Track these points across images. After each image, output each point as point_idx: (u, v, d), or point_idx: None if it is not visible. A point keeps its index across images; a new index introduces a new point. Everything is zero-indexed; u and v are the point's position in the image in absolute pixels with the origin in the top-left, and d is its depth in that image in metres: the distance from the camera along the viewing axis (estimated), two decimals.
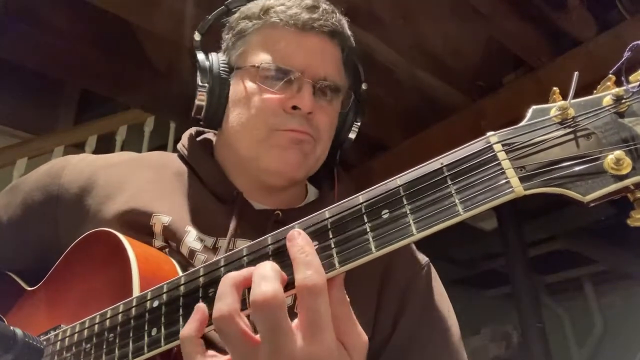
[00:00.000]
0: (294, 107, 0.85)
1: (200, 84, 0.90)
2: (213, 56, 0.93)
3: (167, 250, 0.83)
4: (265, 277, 0.54)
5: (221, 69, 0.91)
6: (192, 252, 0.82)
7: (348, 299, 0.56)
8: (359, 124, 0.99)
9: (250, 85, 0.88)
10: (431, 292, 0.91)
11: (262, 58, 0.88)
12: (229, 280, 0.56)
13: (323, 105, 0.89)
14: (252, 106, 0.87)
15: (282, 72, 0.86)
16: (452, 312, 0.92)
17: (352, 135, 0.99)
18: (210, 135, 1.03)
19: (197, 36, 0.97)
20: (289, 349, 0.52)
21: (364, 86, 1.00)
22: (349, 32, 0.94)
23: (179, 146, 0.99)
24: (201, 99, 0.90)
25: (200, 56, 0.93)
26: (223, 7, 0.96)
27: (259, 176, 0.89)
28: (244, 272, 0.57)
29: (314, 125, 0.87)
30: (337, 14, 0.92)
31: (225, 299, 0.54)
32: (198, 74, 0.91)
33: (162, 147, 3.57)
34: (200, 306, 0.59)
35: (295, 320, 0.54)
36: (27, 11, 2.83)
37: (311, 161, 0.89)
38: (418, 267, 0.93)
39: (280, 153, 0.86)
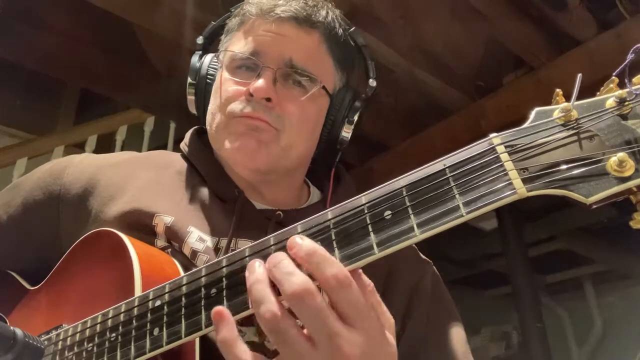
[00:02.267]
0: (252, 94, 0.84)
1: (189, 82, 0.95)
2: (207, 57, 0.97)
3: (169, 250, 0.83)
4: (291, 272, 0.53)
5: (210, 66, 0.95)
6: (194, 253, 0.82)
7: (372, 286, 0.56)
8: (352, 122, 0.92)
9: (223, 76, 0.90)
10: (437, 295, 0.91)
11: (229, 47, 0.91)
12: (262, 279, 0.54)
13: (290, 94, 0.86)
14: (220, 96, 0.89)
15: (244, 58, 0.87)
16: (457, 314, 0.91)
17: (345, 134, 0.92)
18: None
19: (199, 40, 0.99)
20: (344, 336, 0.52)
21: (370, 83, 0.96)
22: (332, 24, 0.91)
23: (182, 145, 0.99)
24: (191, 96, 0.95)
25: (194, 58, 0.97)
26: (227, 13, 0.98)
27: (230, 168, 0.91)
28: (264, 271, 0.55)
29: (275, 113, 0.84)
30: (312, 3, 0.90)
31: (269, 299, 0.52)
32: (189, 74, 0.95)
33: (162, 147, 3.56)
34: (218, 310, 0.56)
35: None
36: (27, 11, 2.83)
37: (274, 152, 0.85)
38: (424, 270, 0.92)
39: (235, 140, 0.85)
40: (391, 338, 0.57)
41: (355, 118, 0.93)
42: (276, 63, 0.85)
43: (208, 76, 0.94)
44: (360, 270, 0.55)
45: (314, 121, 0.90)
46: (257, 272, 0.55)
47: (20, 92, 4.60)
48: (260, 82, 0.83)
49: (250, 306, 0.56)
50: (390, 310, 0.86)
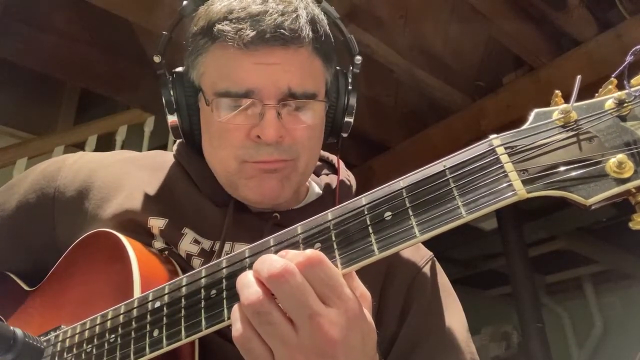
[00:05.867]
0: (259, 137, 0.78)
1: (168, 114, 0.86)
2: (178, 84, 0.87)
3: (167, 251, 0.83)
4: (270, 258, 0.55)
5: (186, 95, 0.86)
6: (188, 255, 0.82)
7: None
8: (354, 102, 0.91)
9: (214, 115, 0.81)
10: (436, 285, 0.90)
11: (218, 85, 0.80)
12: (247, 273, 0.56)
13: (295, 120, 0.81)
14: (218, 137, 0.82)
15: (239, 97, 0.78)
16: (458, 304, 0.91)
17: (349, 119, 0.91)
18: None
19: (157, 59, 0.89)
20: (324, 316, 0.53)
21: (357, 59, 0.92)
22: (310, 23, 0.80)
23: (174, 148, 0.97)
24: (174, 130, 0.87)
25: (165, 91, 0.87)
26: (175, 16, 0.90)
27: (244, 201, 0.87)
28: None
29: (287, 147, 0.80)
30: (290, 12, 0.79)
31: (253, 283, 0.55)
32: (164, 105, 0.86)
33: (162, 147, 3.55)
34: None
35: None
36: (28, 12, 2.83)
37: (294, 180, 0.84)
38: (422, 261, 0.91)
39: (257, 185, 0.81)
40: (368, 315, 0.57)
41: (354, 102, 0.91)
42: (275, 97, 0.78)
43: (188, 107, 0.86)
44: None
45: (320, 131, 0.88)
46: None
47: (20, 92, 4.59)
48: (268, 126, 0.77)
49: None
50: (392, 304, 0.86)
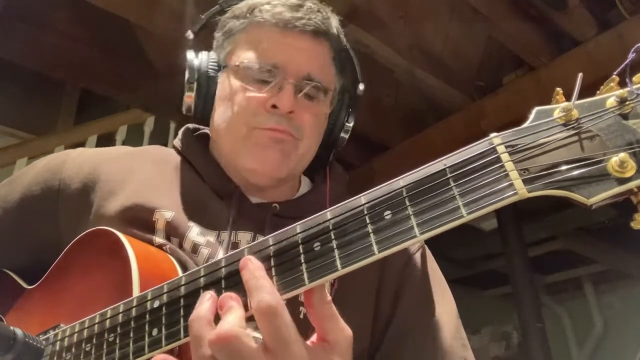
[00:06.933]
0: (274, 106, 0.86)
1: (187, 81, 0.92)
2: (203, 55, 0.95)
3: (167, 247, 0.83)
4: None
5: (210, 67, 0.93)
6: (195, 247, 0.82)
7: (329, 298, 0.57)
8: (351, 124, 0.99)
9: (234, 83, 0.89)
10: (426, 271, 0.93)
11: (246, 56, 0.89)
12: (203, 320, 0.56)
13: (306, 104, 0.89)
14: (234, 104, 0.88)
15: (264, 70, 0.87)
16: (448, 290, 0.93)
17: (344, 135, 0.99)
18: (207, 130, 1.03)
19: (189, 35, 0.98)
20: None
21: (360, 86, 1.00)
22: (337, 31, 0.94)
23: (175, 142, 0.99)
24: (189, 96, 0.93)
25: (190, 55, 0.94)
26: (217, 6, 0.98)
27: (243, 174, 0.90)
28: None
29: (295, 124, 0.87)
30: (324, 13, 0.92)
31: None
32: (186, 73, 0.93)
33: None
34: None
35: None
36: (28, 11, 2.83)
37: (293, 160, 0.89)
38: (414, 248, 0.94)
39: (260, 152, 0.87)
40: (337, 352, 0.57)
41: (352, 123, 0.99)
42: (296, 77, 0.87)
43: (209, 77, 0.93)
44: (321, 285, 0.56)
45: (323, 126, 0.95)
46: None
47: (20, 92, 4.60)
48: (285, 96, 0.85)
49: (250, 307, 0.56)
50: (386, 291, 0.88)
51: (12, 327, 0.66)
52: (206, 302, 0.57)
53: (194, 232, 0.83)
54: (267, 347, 0.53)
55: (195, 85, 0.92)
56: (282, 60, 0.87)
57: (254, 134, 0.87)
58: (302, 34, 0.88)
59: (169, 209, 0.85)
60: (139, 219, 0.84)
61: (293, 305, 0.71)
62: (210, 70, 0.93)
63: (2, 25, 2.73)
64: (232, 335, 0.53)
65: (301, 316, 0.78)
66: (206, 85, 0.92)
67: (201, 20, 0.99)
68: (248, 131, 0.87)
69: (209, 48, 0.98)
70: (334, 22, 0.93)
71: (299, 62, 0.88)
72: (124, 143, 3.81)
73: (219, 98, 0.92)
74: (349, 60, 0.99)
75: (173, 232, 0.83)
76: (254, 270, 0.56)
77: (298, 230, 0.59)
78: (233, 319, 0.54)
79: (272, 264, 0.58)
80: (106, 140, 3.79)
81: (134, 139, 3.85)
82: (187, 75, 0.93)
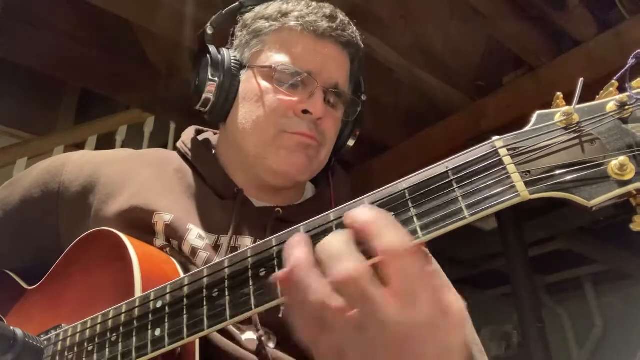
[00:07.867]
0: (305, 111, 0.87)
1: (210, 77, 0.92)
2: (224, 51, 0.95)
3: (167, 249, 0.83)
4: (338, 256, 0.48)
5: (232, 64, 0.93)
6: (194, 250, 0.82)
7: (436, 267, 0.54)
8: (357, 133, 1.03)
9: (264, 84, 0.90)
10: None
11: (279, 59, 0.90)
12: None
13: (330, 111, 0.92)
14: (264, 105, 0.88)
15: (297, 75, 0.88)
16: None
17: (351, 143, 1.03)
18: (209, 134, 1.04)
19: (209, 29, 0.99)
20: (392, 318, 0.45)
21: (363, 97, 1.03)
22: (361, 45, 0.98)
23: (179, 144, 0.99)
24: (210, 92, 0.92)
25: (213, 49, 0.94)
26: (237, 3, 0.99)
27: (262, 175, 0.90)
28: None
29: (320, 131, 0.90)
30: (353, 27, 0.96)
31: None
32: (209, 67, 0.92)
33: (162, 147, 3.55)
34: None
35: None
36: (27, 11, 2.83)
37: (315, 165, 0.92)
38: None
39: (287, 155, 0.88)
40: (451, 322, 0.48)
41: (358, 132, 1.03)
42: (326, 85, 0.90)
43: (233, 74, 0.92)
44: (422, 251, 0.50)
45: (338, 133, 0.98)
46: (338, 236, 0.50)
47: (20, 92, 4.59)
48: (319, 104, 0.88)
49: (252, 307, 0.56)
50: None
51: (12, 327, 0.67)
52: (304, 244, 0.50)
53: (193, 235, 0.83)
54: (396, 292, 0.46)
55: (218, 81, 0.91)
56: (317, 68, 0.89)
57: (283, 137, 0.88)
58: (335, 44, 0.92)
59: (168, 212, 0.85)
60: (138, 222, 0.84)
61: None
62: (233, 67, 0.93)
63: (2, 25, 2.73)
64: (358, 275, 0.45)
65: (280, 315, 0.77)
66: (229, 82, 0.92)
67: (221, 15, 1.00)
68: (276, 133, 0.88)
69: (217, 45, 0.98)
70: (359, 36, 0.98)
71: (330, 71, 0.91)
72: (124, 143, 3.81)
73: (243, 97, 0.92)
74: (361, 72, 1.03)
75: (172, 234, 0.83)
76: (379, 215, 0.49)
77: (302, 231, 0.59)
78: (356, 256, 0.47)
79: (276, 264, 0.59)
80: (106, 140, 3.79)
81: (134, 139, 3.85)
82: (209, 71, 0.92)
